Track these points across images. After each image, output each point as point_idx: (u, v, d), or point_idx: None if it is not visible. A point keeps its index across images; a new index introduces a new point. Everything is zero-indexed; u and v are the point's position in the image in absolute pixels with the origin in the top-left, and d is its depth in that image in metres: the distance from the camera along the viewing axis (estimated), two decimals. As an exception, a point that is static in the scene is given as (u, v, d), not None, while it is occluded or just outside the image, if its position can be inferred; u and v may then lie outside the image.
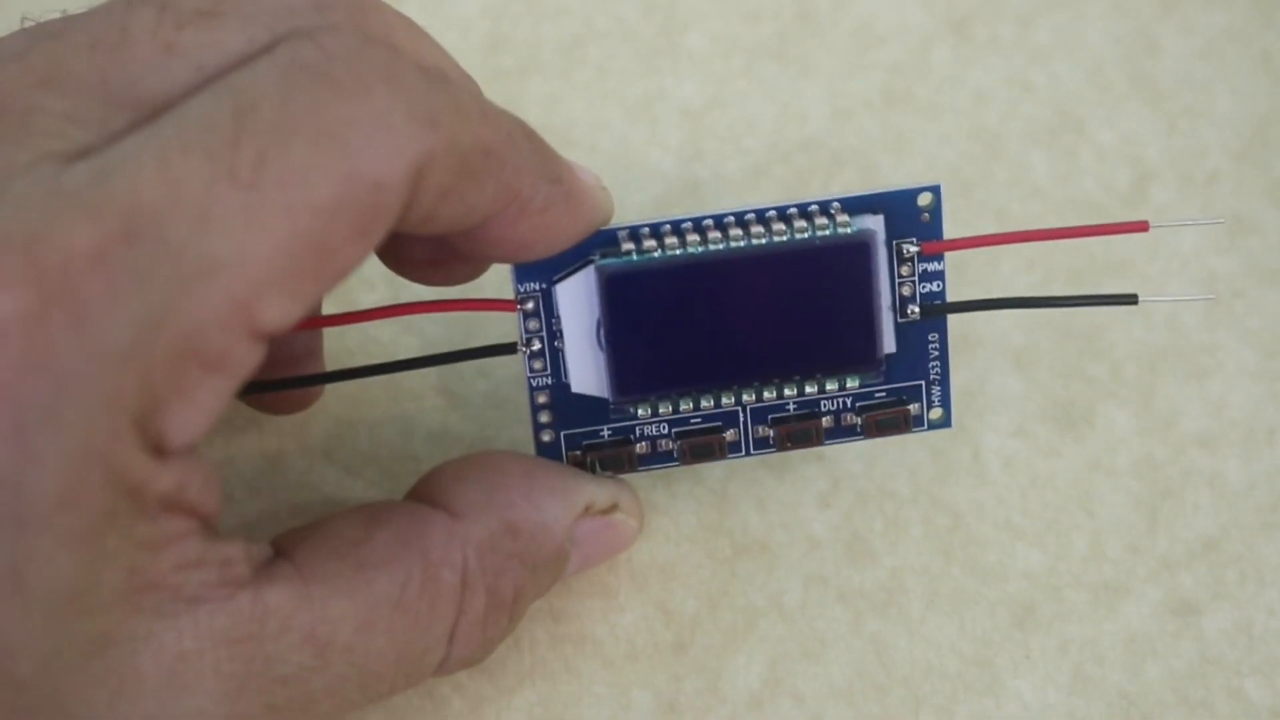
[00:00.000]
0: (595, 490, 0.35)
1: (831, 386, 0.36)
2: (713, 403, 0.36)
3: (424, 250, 0.35)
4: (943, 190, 0.35)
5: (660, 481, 0.38)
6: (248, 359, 0.28)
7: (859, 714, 0.36)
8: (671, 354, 0.35)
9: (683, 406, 0.36)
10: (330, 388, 0.39)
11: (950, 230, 0.41)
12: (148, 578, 0.29)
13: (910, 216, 0.35)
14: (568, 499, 0.35)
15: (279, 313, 0.28)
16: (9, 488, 0.27)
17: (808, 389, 0.36)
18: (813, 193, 0.42)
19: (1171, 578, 0.38)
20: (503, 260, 0.34)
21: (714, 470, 0.38)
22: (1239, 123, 0.43)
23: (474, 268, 0.35)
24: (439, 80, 0.30)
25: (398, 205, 0.29)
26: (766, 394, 0.36)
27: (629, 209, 0.41)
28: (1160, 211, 0.42)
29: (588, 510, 0.35)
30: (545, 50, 0.43)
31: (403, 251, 0.35)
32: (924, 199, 0.35)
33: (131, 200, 0.27)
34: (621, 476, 0.36)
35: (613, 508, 0.36)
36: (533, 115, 0.42)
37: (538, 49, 0.43)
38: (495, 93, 0.42)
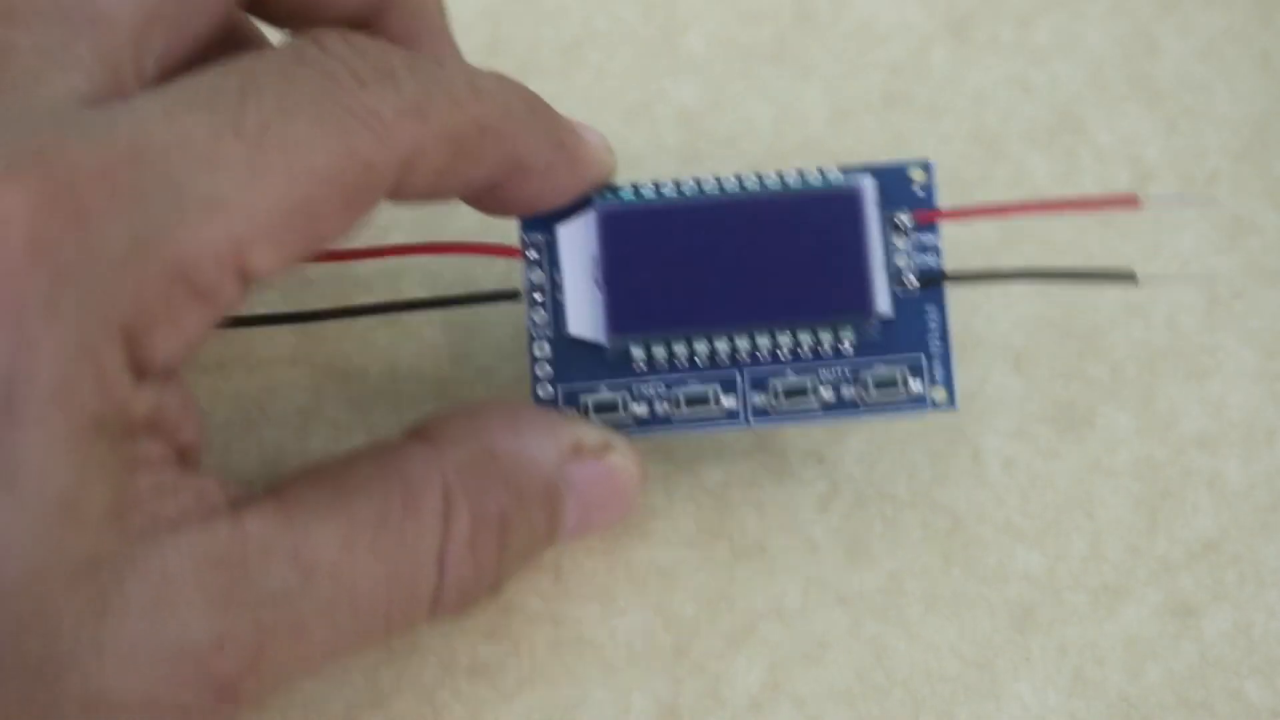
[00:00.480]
0: (585, 429, 0.35)
1: (826, 336, 0.35)
2: (707, 349, 0.35)
3: None
4: (935, 167, 0.36)
5: (659, 484, 0.38)
6: (232, 297, 0.30)
7: (859, 717, 0.36)
8: (666, 293, 0.35)
9: (677, 350, 0.36)
10: (328, 393, 0.39)
11: (949, 231, 0.41)
12: (131, 497, 0.29)
13: (904, 191, 0.36)
14: (554, 433, 0.34)
15: (266, 261, 0.30)
16: (4, 374, 0.28)
17: (802, 337, 0.35)
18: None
19: (1171, 579, 0.38)
20: (509, 215, 0.36)
21: (713, 473, 0.38)
22: (1238, 123, 0.43)
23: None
24: (430, 71, 0.32)
25: (385, 187, 0.31)
26: (760, 341, 0.35)
27: (628, 211, 0.41)
28: (1160, 212, 0.42)
29: (577, 450, 0.35)
30: (544, 52, 0.43)
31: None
32: (917, 174, 0.36)
33: (139, 136, 0.29)
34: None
35: (605, 448, 0.35)
36: (532, 118, 0.42)
37: (537, 51, 0.43)
38: (494, 95, 0.43)
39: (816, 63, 0.43)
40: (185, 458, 0.31)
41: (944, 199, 0.42)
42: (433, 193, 0.33)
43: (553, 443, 0.34)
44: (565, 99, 0.43)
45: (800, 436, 0.39)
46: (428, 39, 0.37)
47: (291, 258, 0.30)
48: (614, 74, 0.43)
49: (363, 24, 0.36)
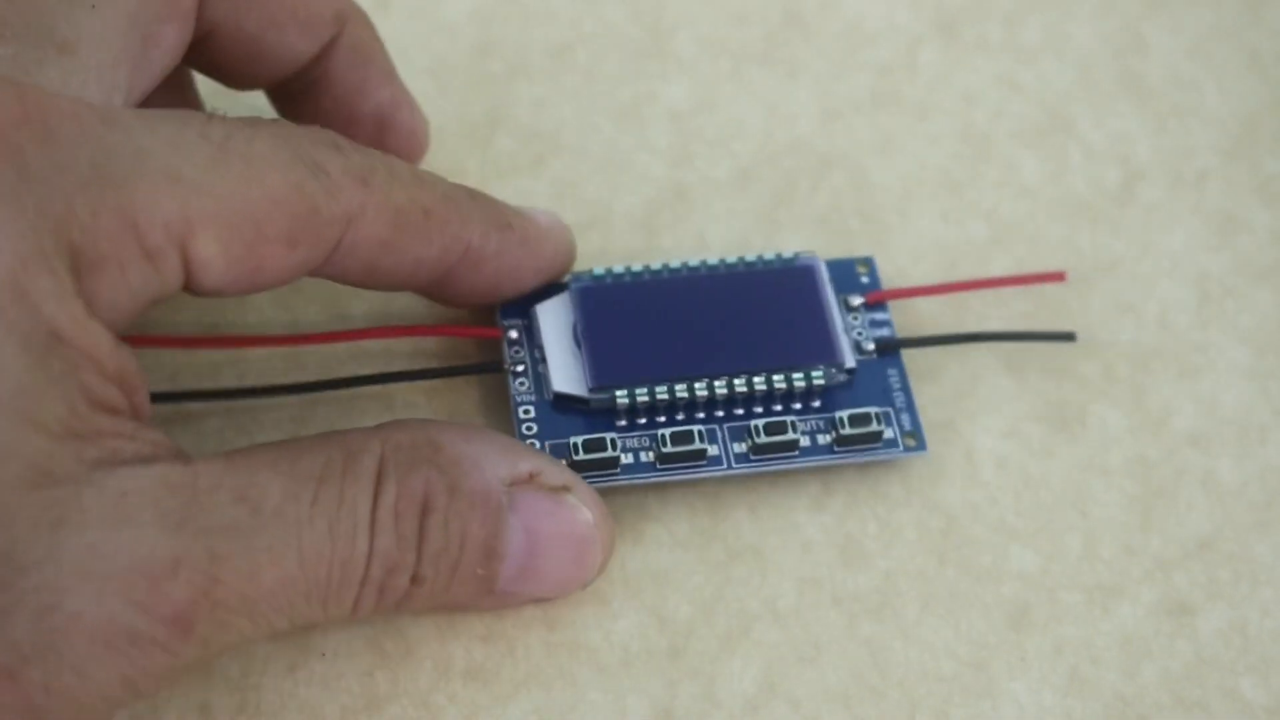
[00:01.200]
0: (545, 464, 0.35)
1: (799, 385, 0.37)
2: (688, 397, 0.37)
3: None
4: (875, 261, 0.40)
5: (654, 487, 0.38)
6: (173, 276, 0.31)
7: (855, 718, 0.36)
8: (645, 347, 0.38)
9: (658, 398, 0.37)
10: (323, 397, 0.39)
11: (938, 231, 0.41)
12: (87, 425, 0.30)
13: (853, 280, 0.40)
14: (508, 454, 0.35)
15: (208, 252, 0.31)
16: None
17: (777, 384, 0.37)
18: (801, 196, 0.42)
19: (1166, 578, 0.38)
20: (477, 303, 0.38)
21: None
22: (1228, 121, 0.43)
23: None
24: (374, 152, 0.35)
25: (329, 238, 0.33)
26: (738, 386, 0.37)
27: (618, 212, 0.41)
28: (1150, 210, 0.42)
29: (532, 478, 0.35)
30: (534, 54, 0.43)
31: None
32: (861, 268, 0.40)
33: (112, 113, 0.31)
34: (605, 484, 0.37)
35: (564, 488, 0.35)
36: (521, 119, 0.42)
37: (526, 53, 0.43)
38: (484, 97, 0.42)
39: (805, 63, 0.43)
40: (140, 417, 0.31)
41: (935, 198, 0.42)
42: (379, 268, 0.34)
43: (506, 461, 0.35)
44: (555, 101, 0.43)
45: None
46: (376, 81, 0.38)
47: (233, 270, 0.32)
48: (604, 76, 0.43)
49: (311, 70, 0.38)
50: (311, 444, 0.33)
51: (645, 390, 0.37)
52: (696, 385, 0.37)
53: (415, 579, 0.33)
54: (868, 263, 0.40)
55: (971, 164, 0.42)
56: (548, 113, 0.43)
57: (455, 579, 0.34)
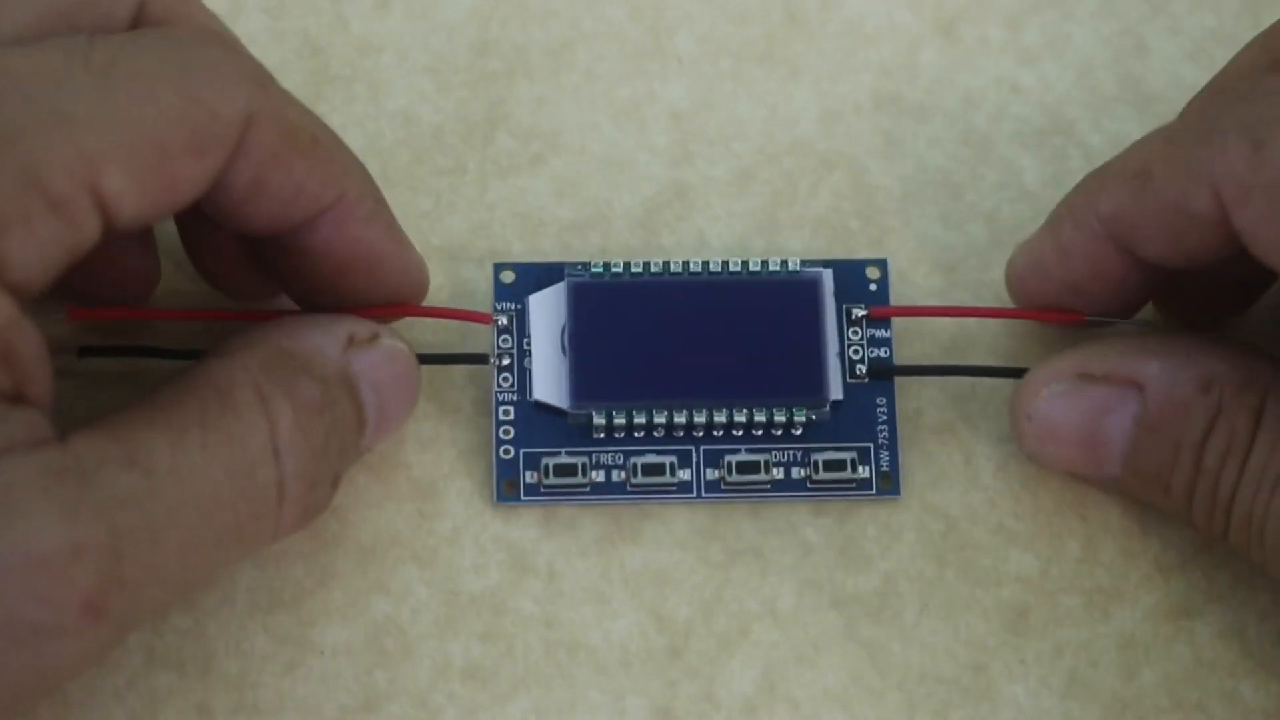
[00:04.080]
0: (352, 323, 0.35)
1: (780, 417, 0.37)
2: (666, 421, 0.37)
3: (232, 249, 0.37)
4: (889, 264, 0.39)
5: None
6: (88, 223, 0.31)
7: (853, 719, 0.36)
8: (629, 365, 0.37)
9: (636, 420, 0.37)
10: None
11: (937, 233, 0.41)
12: None
13: (860, 286, 0.39)
14: (328, 330, 0.35)
15: (118, 184, 0.31)
16: None
17: (757, 417, 0.37)
18: (800, 197, 0.42)
19: (1165, 581, 0.38)
20: (316, 284, 0.36)
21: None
22: (1228, 124, 0.43)
23: (269, 283, 0.37)
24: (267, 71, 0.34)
25: (231, 140, 0.32)
26: (717, 417, 0.37)
27: (617, 212, 0.41)
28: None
29: (352, 341, 0.35)
30: (533, 53, 0.43)
31: (213, 246, 0.37)
32: (872, 272, 0.39)
33: None
34: (577, 502, 0.38)
35: (375, 335, 0.36)
36: (521, 118, 0.42)
37: (526, 52, 0.43)
38: (483, 96, 0.42)
39: (806, 63, 0.43)
40: (20, 400, 0.31)
41: (935, 200, 0.42)
42: (266, 185, 0.33)
43: (329, 337, 0.35)
44: (554, 100, 0.42)
45: (792, 438, 0.39)
46: (377, 238, 0.36)
47: (148, 195, 0.31)
48: (603, 75, 0.43)
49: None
50: (178, 393, 0.33)
51: (623, 413, 0.37)
52: (675, 414, 0.37)
53: (335, 481, 0.34)
54: (880, 265, 0.40)
55: (971, 166, 0.42)
56: (547, 112, 0.42)
57: (345, 460, 0.35)
